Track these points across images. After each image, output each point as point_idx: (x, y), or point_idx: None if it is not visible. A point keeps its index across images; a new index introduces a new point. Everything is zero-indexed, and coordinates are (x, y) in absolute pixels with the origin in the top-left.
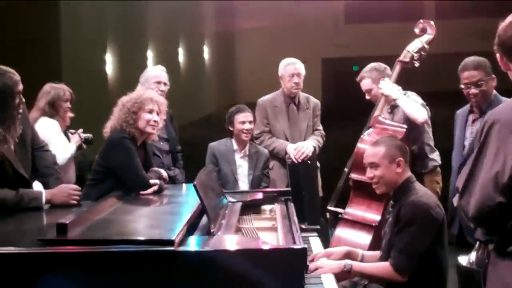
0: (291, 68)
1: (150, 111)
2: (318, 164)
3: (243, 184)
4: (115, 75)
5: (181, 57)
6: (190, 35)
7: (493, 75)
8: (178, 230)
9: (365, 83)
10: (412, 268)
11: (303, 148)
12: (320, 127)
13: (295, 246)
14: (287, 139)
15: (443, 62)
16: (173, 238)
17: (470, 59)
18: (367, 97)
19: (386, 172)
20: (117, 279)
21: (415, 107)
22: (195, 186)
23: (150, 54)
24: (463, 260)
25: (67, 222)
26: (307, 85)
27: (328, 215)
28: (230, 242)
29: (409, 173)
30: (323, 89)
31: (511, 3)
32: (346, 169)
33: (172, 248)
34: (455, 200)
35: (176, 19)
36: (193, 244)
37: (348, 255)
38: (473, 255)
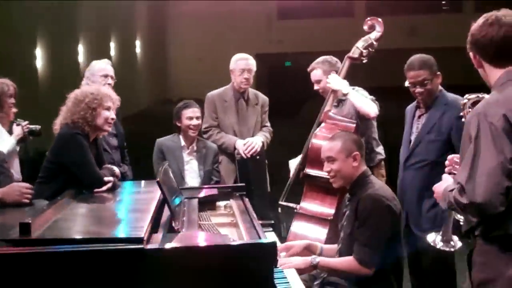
0: (242, 63)
1: (108, 108)
2: (266, 161)
3: (192, 180)
4: (46, 70)
5: (113, 51)
6: (122, 29)
7: (438, 72)
8: (145, 228)
9: (316, 74)
10: (377, 260)
11: (253, 143)
12: (268, 124)
13: (265, 241)
14: (235, 134)
15: (373, 58)
16: (142, 236)
17: (416, 58)
18: (316, 87)
19: (343, 166)
20: (85, 278)
21: (365, 102)
22: (158, 183)
23: (81, 49)
24: (431, 237)
25: (30, 221)
26: None
27: (279, 210)
28: (199, 238)
29: (365, 167)
30: (257, 85)
31: (439, 2)
32: (290, 162)
33: (141, 246)
34: (454, 195)
35: (107, 13)
36: (161, 241)
37: (308, 248)
38: (438, 238)
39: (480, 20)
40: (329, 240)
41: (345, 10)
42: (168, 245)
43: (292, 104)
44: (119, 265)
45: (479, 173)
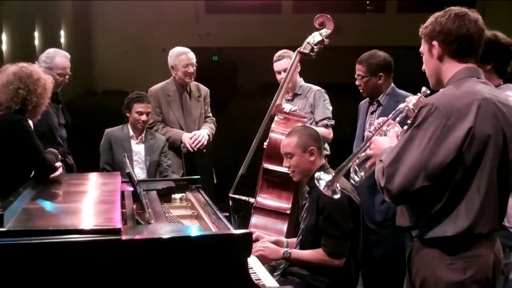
0: (185, 57)
1: None
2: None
3: (140, 171)
4: None
5: (37, 41)
6: (46, 18)
7: (380, 74)
8: (118, 219)
9: (285, 62)
10: (346, 250)
11: (199, 136)
12: (211, 114)
13: (242, 231)
14: (181, 128)
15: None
16: (119, 227)
17: (365, 53)
18: (279, 76)
19: (300, 161)
20: (62, 270)
21: (321, 132)
22: (129, 174)
23: (4, 38)
24: (322, 176)
25: (3, 212)
26: (168, 74)
27: (230, 202)
28: (174, 229)
29: (323, 161)
30: None
31: (363, 2)
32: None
33: (118, 237)
34: (378, 170)
35: (32, 2)
36: (137, 232)
37: (276, 243)
38: (327, 179)
39: (449, 13)
40: (288, 233)
41: (272, 6)
42: (145, 236)
43: (218, 98)
44: (96, 256)
45: (401, 163)
